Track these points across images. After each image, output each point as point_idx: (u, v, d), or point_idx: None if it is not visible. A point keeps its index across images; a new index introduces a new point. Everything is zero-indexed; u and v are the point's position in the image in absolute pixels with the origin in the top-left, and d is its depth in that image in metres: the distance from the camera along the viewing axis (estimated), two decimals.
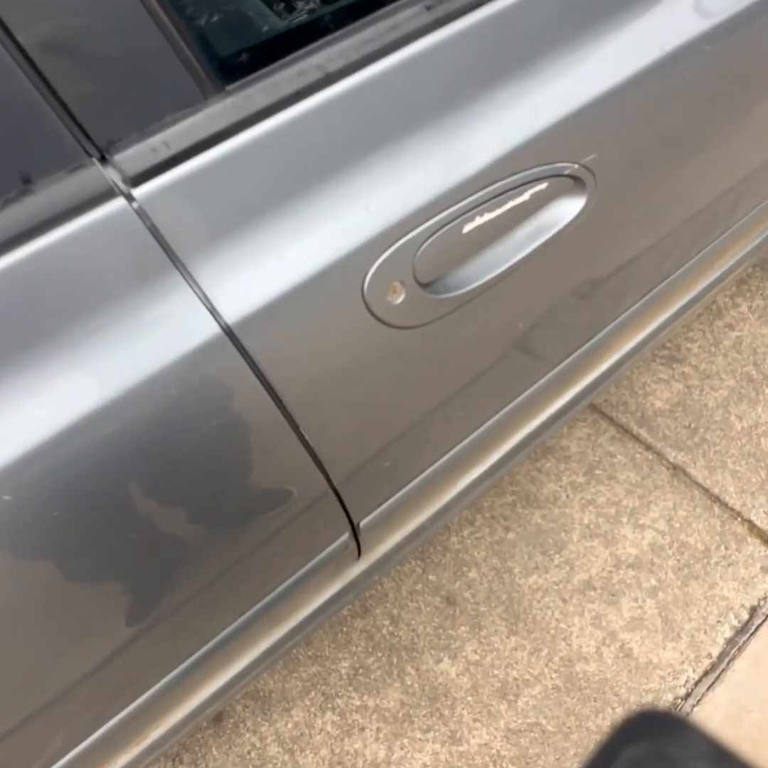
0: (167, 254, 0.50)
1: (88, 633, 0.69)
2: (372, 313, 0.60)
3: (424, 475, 0.88)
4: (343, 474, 0.71)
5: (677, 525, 1.48)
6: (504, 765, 1.24)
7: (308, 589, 0.95)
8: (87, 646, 0.72)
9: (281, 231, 0.55)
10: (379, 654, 1.41)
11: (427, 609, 1.45)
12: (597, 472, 1.59)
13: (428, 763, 1.27)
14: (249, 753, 1.33)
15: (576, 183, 0.69)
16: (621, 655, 1.33)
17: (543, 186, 0.65)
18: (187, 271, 0.51)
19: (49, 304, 0.48)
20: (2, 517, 0.49)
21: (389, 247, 0.59)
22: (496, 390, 0.86)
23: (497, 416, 0.94)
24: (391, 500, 0.86)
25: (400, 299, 0.61)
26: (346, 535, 0.84)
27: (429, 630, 1.42)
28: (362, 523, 0.84)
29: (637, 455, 1.60)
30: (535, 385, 0.90)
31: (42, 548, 0.54)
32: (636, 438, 1.63)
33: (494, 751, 1.26)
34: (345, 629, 1.46)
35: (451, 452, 0.90)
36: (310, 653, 1.44)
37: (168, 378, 0.52)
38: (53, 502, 0.51)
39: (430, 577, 1.50)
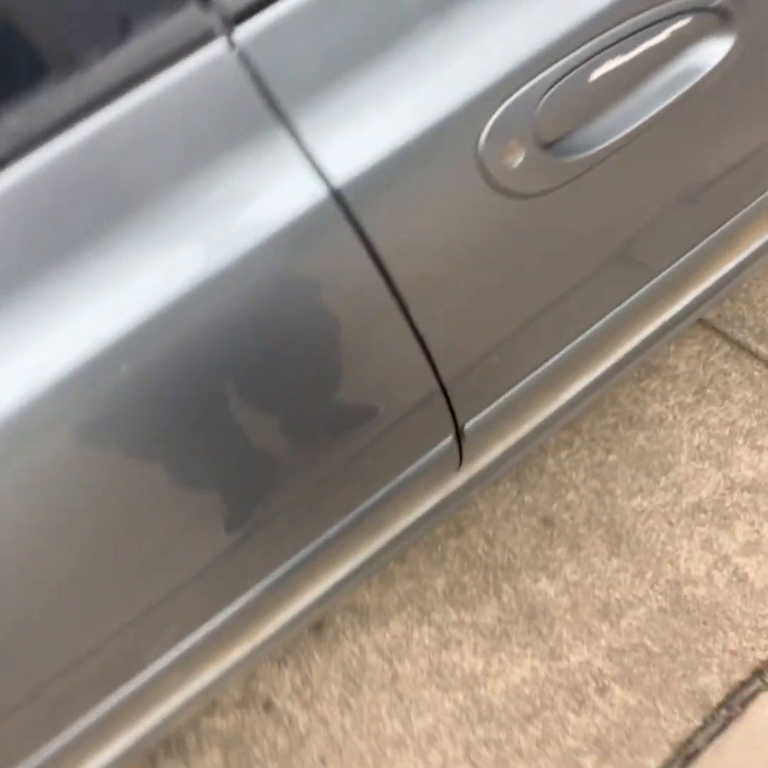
0: (270, 106, 0.46)
1: (202, 523, 0.70)
2: (487, 177, 0.54)
3: (531, 376, 0.83)
4: (451, 365, 0.67)
5: None
6: (606, 682, 1.22)
7: (409, 495, 0.94)
8: (200, 539, 0.74)
9: (389, 80, 0.50)
10: (475, 572, 1.40)
11: (524, 530, 1.42)
12: (709, 391, 1.48)
13: (527, 676, 1.26)
14: (350, 660, 1.38)
15: (722, 19, 0.59)
16: (734, 579, 1.26)
17: (685, 22, 0.56)
18: (291, 126, 0.47)
19: (143, 165, 0.46)
20: (118, 389, 0.48)
21: (506, 98, 0.52)
22: (615, 281, 0.79)
23: (610, 315, 0.86)
24: (497, 402, 0.82)
25: (518, 161, 0.55)
26: (449, 438, 0.81)
27: (525, 550, 1.40)
28: (467, 426, 0.81)
29: (756, 373, 1.47)
30: (658, 279, 0.82)
31: (153, 426, 0.54)
32: (754, 355, 1.49)
33: (596, 669, 1.24)
34: (439, 548, 1.46)
35: (561, 353, 0.84)
36: (405, 570, 1.45)
37: (271, 249, 0.50)
38: (164, 376, 0.50)
39: (526, 498, 1.46)
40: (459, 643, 1.34)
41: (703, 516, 1.34)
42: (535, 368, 0.82)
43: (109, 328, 0.46)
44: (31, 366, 0.45)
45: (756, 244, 1.14)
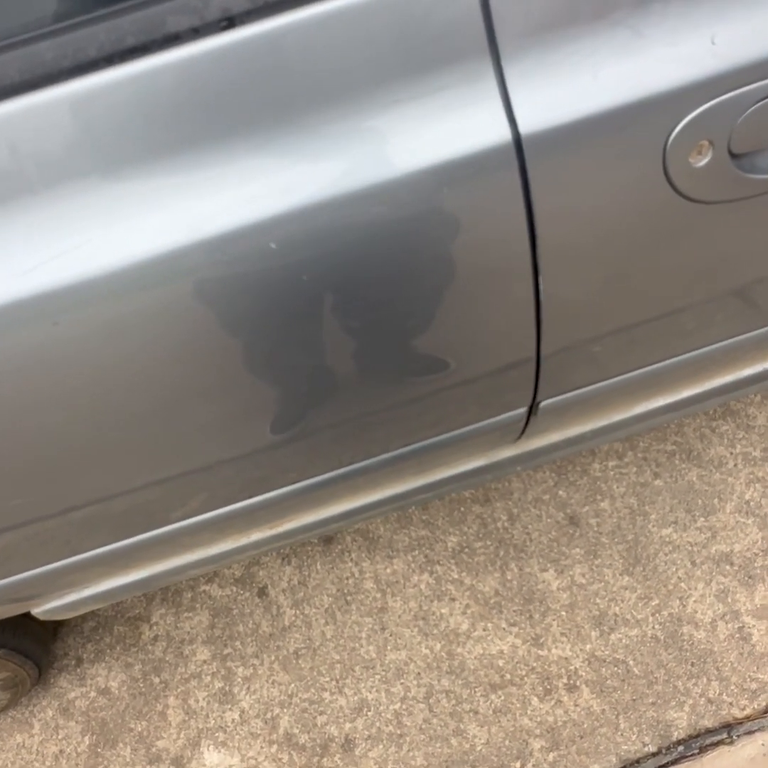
0: (489, 35, 0.46)
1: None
2: (666, 170, 0.53)
3: (621, 378, 0.83)
4: (555, 340, 0.68)
5: None
6: (578, 683, 1.26)
7: (461, 450, 0.97)
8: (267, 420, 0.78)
9: (605, 45, 0.49)
10: (488, 542, 1.44)
11: (548, 520, 1.44)
12: None
13: (505, 651, 1.31)
14: (347, 579, 1.45)
15: None
16: (738, 636, 1.26)
17: None
18: (500, 62, 0.48)
19: (352, 60, 0.47)
20: (263, 264, 0.51)
21: (716, 96, 0.51)
22: (739, 314, 0.77)
23: (719, 344, 0.85)
24: (579, 391, 0.82)
25: (702, 163, 0.53)
26: (522, 410, 0.82)
27: (543, 539, 1.42)
28: (543, 404, 0.82)
29: None
30: None
31: (269, 306, 0.57)
32: None
33: (572, 668, 1.28)
34: (462, 509, 1.49)
35: (658, 365, 0.83)
36: (424, 518, 1.50)
37: (437, 176, 0.51)
38: (308, 264, 0.52)
39: (561, 492, 1.48)
40: (452, 599, 1.39)
41: (728, 567, 1.33)
42: (628, 371, 0.82)
43: (272, 204, 0.49)
44: (197, 216, 0.49)
45: None
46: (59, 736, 1.37)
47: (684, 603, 1.30)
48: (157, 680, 1.40)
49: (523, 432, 0.94)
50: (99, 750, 1.35)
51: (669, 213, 0.56)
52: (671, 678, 1.24)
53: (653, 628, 1.29)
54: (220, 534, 1.05)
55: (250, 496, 0.91)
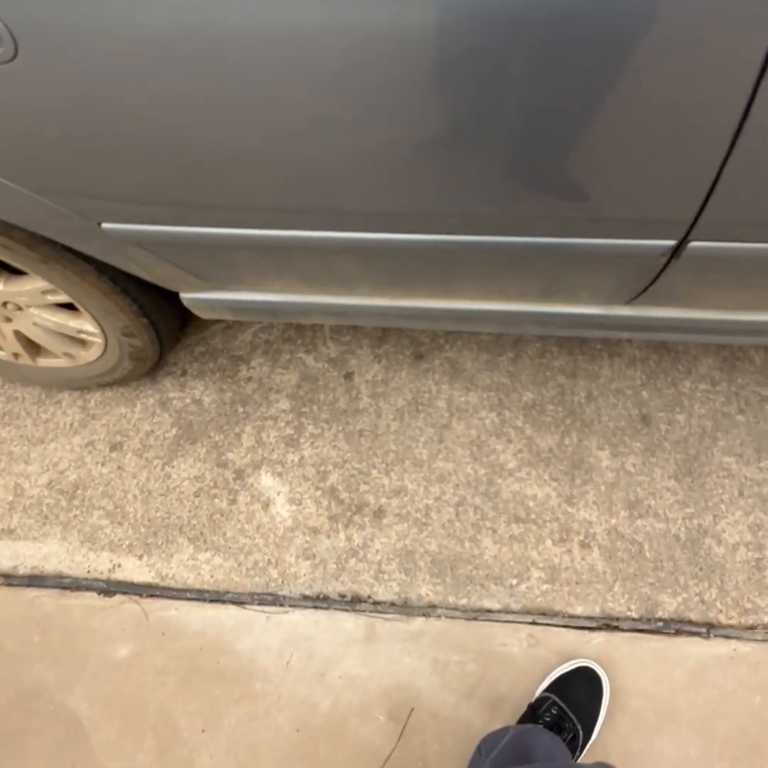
0: None
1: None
2: None
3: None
4: (738, 179, 0.73)
5: None
6: (591, 544, 1.39)
7: (600, 268, 1.00)
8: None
9: None
10: (560, 409, 1.54)
11: (622, 411, 1.52)
12: None
13: (539, 496, 1.45)
14: (424, 393, 1.60)
15: None
16: (754, 564, 1.34)
17: None
18: None
19: None
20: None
21: None
22: None
23: None
24: (728, 245, 0.87)
25: None
26: (672, 243, 0.88)
27: (611, 424, 1.51)
28: (691, 245, 0.88)
29: None
30: None
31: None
32: None
33: (592, 531, 1.40)
34: (547, 374, 1.59)
35: None
36: (510, 369, 1.61)
37: None
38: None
39: (644, 393, 1.54)
40: (509, 441, 1.52)
41: None
42: None
43: None
44: None
45: None
46: (154, 420, 1.64)
47: (716, 521, 1.38)
48: (241, 410, 1.63)
49: (655, 280, 1.00)
50: (181, 442, 1.61)
51: None
52: (676, 572, 1.35)
53: (678, 528, 1.39)
54: (354, 284, 1.16)
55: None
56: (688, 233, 0.86)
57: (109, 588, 1.43)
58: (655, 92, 0.69)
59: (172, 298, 1.33)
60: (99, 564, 1.46)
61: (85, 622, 1.40)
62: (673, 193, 0.81)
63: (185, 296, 1.30)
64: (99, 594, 1.43)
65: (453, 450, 1.52)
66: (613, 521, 1.41)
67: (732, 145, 0.71)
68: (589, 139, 0.75)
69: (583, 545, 1.39)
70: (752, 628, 1.28)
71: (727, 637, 1.28)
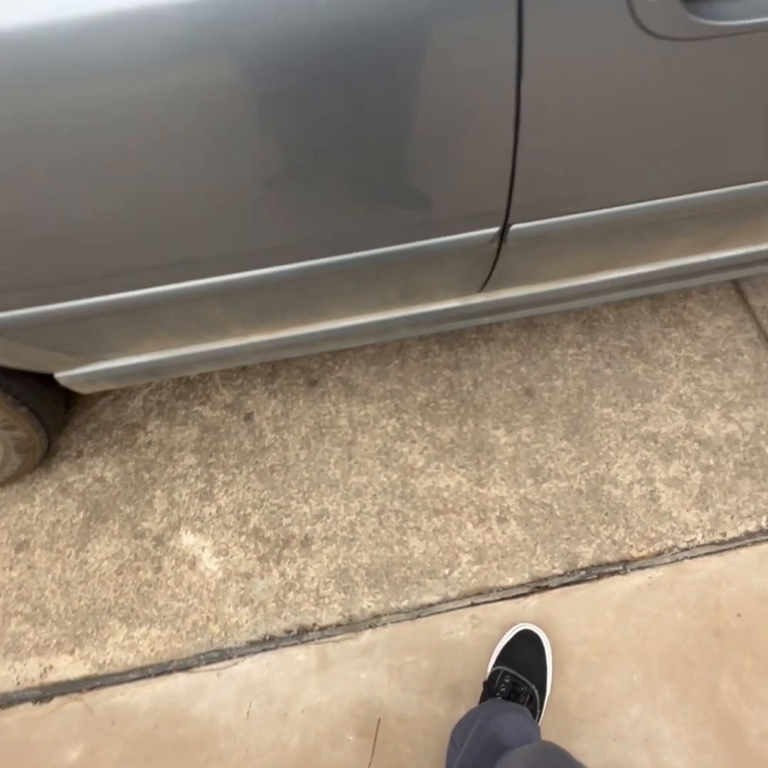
0: None
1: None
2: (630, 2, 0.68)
3: (583, 216, 0.99)
4: (529, 156, 0.84)
5: (763, 433, 1.53)
6: (508, 517, 1.48)
7: (440, 266, 1.10)
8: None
9: None
10: (452, 401, 1.64)
11: (507, 390, 1.64)
12: (716, 359, 1.63)
13: (452, 486, 1.52)
14: (325, 415, 1.65)
15: None
16: (648, 497, 1.47)
17: None
18: None
19: None
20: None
21: None
22: (701, 160, 0.92)
23: (683, 197, 0.99)
24: (544, 221, 0.99)
25: None
26: (495, 230, 0.99)
27: (500, 404, 1.62)
28: (513, 227, 0.98)
29: (764, 364, 1.61)
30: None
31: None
32: None
33: (506, 505, 1.49)
34: (434, 371, 1.68)
35: (615, 209, 0.99)
36: (400, 374, 1.69)
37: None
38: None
39: (522, 369, 1.67)
40: (413, 442, 1.59)
41: (653, 444, 1.54)
42: (600, 207, 0.97)
43: None
44: None
45: None
46: (58, 509, 1.58)
47: (609, 467, 1.52)
48: (147, 476, 1.61)
49: (494, 265, 1.11)
50: (91, 524, 1.56)
51: (627, 44, 0.72)
52: (586, 522, 1.46)
53: (579, 483, 1.50)
54: (225, 327, 1.19)
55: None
56: (507, 219, 0.97)
57: (45, 693, 1.36)
58: (443, 105, 0.78)
59: (48, 379, 1.31)
60: (28, 672, 1.38)
61: (25, 736, 1.32)
62: (484, 186, 0.91)
63: (61, 375, 1.28)
64: (34, 703, 1.35)
65: (363, 463, 1.57)
66: (522, 491, 1.51)
67: (516, 137, 0.82)
68: (402, 153, 0.84)
69: (501, 520, 1.48)
70: (660, 554, 1.41)
71: (641, 568, 1.40)
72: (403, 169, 0.87)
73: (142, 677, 1.37)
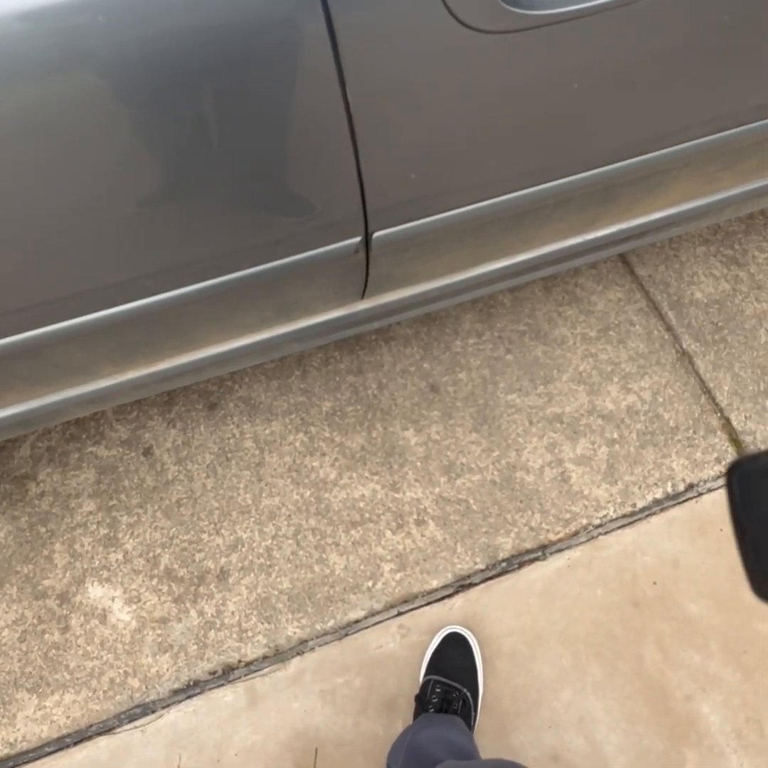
0: None
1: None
2: None
3: (445, 215, 0.96)
4: (372, 161, 0.79)
5: (661, 400, 1.56)
6: (425, 518, 1.46)
7: (310, 279, 1.05)
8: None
9: None
10: (359, 407, 1.60)
11: (412, 388, 1.61)
12: (611, 333, 1.66)
13: (366, 495, 1.49)
14: (229, 439, 1.58)
15: None
16: (559, 478, 1.49)
17: None
18: None
19: None
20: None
21: None
22: (544, 149, 0.90)
23: (537, 189, 0.98)
24: (407, 226, 0.95)
25: None
26: (357, 239, 0.94)
27: (407, 404, 1.59)
28: (376, 235, 0.94)
29: (655, 332, 1.65)
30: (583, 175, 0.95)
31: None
32: (661, 317, 1.67)
33: (422, 506, 1.47)
34: (337, 379, 1.64)
35: (476, 205, 0.97)
36: (302, 386, 1.63)
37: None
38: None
39: (425, 365, 1.64)
40: (323, 454, 1.54)
41: (558, 425, 1.55)
42: (452, 208, 0.95)
43: None
44: None
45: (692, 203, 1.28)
46: None
47: (519, 454, 1.52)
48: (43, 530, 1.49)
49: (367, 272, 1.06)
50: None
51: (448, 38, 0.68)
52: (502, 512, 1.46)
53: (492, 474, 1.50)
54: (93, 368, 1.11)
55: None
56: (367, 227, 0.92)
57: None
58: (275, 117, 0.73)
59: None
60: None
61: None
62: (335, 198, 0.86)
63: None
64: None
65: (274, 484, 1.52)
66: (437, 490, 1.49)
67: (354, 144, 0.77)
68: (243, 170, 0.78)
69: (419, 523, 1.45)
70: (576, 534, 1.42)
71: (559, 550, 1.41)
72: (249, 186, 0.81)
73: (59, 748, 1.28)
